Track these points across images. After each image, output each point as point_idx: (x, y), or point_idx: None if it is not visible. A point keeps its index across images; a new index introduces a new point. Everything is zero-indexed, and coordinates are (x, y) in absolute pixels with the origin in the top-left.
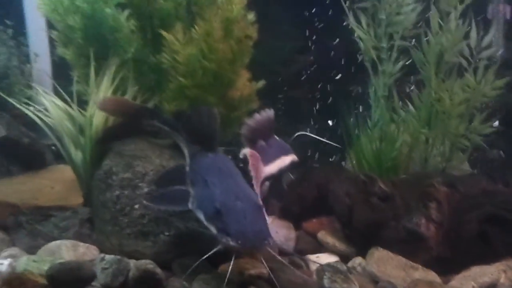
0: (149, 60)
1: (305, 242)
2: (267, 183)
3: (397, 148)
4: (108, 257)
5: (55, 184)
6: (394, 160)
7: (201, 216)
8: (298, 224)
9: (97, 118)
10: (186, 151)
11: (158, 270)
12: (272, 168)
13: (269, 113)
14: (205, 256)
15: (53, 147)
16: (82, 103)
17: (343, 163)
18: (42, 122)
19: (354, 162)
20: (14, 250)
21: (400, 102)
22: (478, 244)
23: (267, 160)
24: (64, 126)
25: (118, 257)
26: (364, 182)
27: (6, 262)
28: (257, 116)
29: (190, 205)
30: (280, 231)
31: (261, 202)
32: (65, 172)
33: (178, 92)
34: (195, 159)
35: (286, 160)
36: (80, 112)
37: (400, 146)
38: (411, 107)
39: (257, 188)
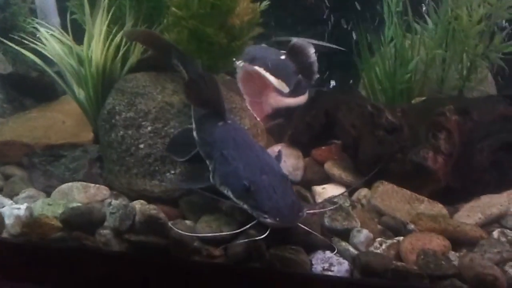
0: None
1: (313, 172)
2: None
3: (411, 70)
4: (114, 202)
5: (67, 118)
6: (408, 82)
7: (228, 193)
8: (307, 151)
9: (96, 53)
10: (193, 112)
11: (162, 215)
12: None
13: None
14: (242, 229)
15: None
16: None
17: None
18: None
19: (366, 83)
20: (31, 191)
21: (416, 19)
22: (490, 173)
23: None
24: (64, 61)
25: (124, 202)
26: (371, 113)
27: (23, 206)
28: None
29: (211, 180)
30: (288, 161)
31: (284, 172)
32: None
33: (175, 23)
34: (204, 127)
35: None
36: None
37: (414, 68)
38: (428, 23)
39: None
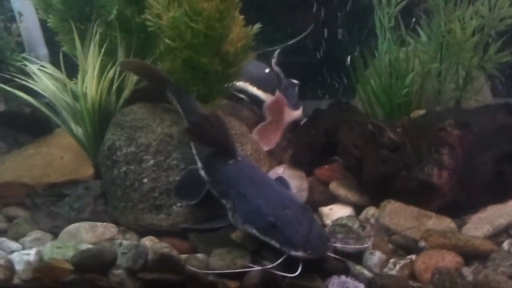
0: (135, 19)
1: (318, 193)
2: None
3: (407, 85)
4: (125, 242)
5: (64, 153)
6: (405, 96)
7: (253, 231)
8: (309, 171)
9: (91, 88)
10: (195, 150)
11: (174, 253)
12: (299, 112)
13: None
14: (273, 265)
15: None
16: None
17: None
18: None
19: (362, 96)
20: (37, 233)
21: (409, 32)
22: (494, 184)
23: (294, 104)
24: (59, 98)
25: (135, 242)
26: (372, 132)
27: (33, 251)
28: None
29: (232, 220)
30: (292, 182)
31: (305, 204)
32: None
33: (168, 53)
34: (214, 166)
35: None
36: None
37: (411, 82)
38: (422, 37)
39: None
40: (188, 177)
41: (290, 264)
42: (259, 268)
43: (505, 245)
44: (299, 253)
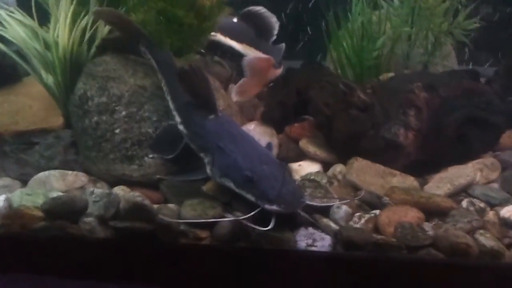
0: None
1: (288, 149)
2: None
3: (378, 47)
4: (97, 191)
5: (33, 102)
6: (376, 59)
7: (229, 184)
8: (280, 129)
9: (63, 37)
10: (172, 104)
11: (147, 202)
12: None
13: None
14: (245, 216)
15: None
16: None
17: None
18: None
19: (335, 57)
20: (5, 180)
21: None
22: (456, 145)
23: (278, 62)
24: (29, 45)
25: (107, 191)
26: (343, 92)
27: (2, 198)
28: None
29: (209, 173)
30: (262, 139)
31: (281, 161)
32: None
33: (142, 4)
34: (193, 121)
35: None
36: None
37: (381, 45)
38: (394, 1)
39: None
40: (164, 133)
41: (262, 217)
42: (232, 218)
43: (464, 203)
44: (273, 207)
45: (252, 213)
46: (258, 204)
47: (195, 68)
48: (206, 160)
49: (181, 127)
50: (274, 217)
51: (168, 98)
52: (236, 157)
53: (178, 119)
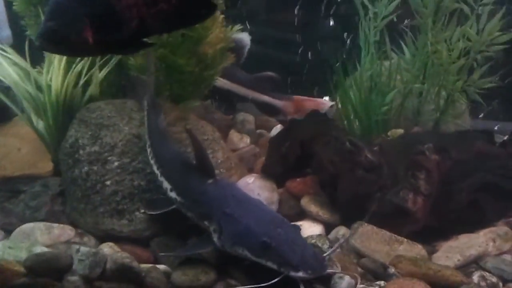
0: None
1: (288, 207)
2: None
3: (388, 103)
4: (83, 249)
5: (22, 144)
6: (384, 113)
7: (244, 252)
8: (281, 183)
9: (56, 80)
10: (158, 170)
11: (135, 264)
12: None
13: None
14: (265, 284)
15: None
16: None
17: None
18: None
19: (340, 108)
20: None
21: (393, 48)
22: (468, 212)
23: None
24: (20, 87)
25: (93, 250)
26: (350, 151)
27: None
28: None
29: (218, 243)
30: (262, 193)
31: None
32: None
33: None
34: (189, 187)
35: None
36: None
37: (391, 101)
38: (406, 54)
39: None
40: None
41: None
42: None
43: (475, 278)
44: (299, 274)
45: (274, 280)
46: (282, 272)
47: (187, 131)
48: (211, 228)
49: (172, 194)
50: (302, 285)
51: (152, 162)
52: (248, 223)
53: (167, 185)
